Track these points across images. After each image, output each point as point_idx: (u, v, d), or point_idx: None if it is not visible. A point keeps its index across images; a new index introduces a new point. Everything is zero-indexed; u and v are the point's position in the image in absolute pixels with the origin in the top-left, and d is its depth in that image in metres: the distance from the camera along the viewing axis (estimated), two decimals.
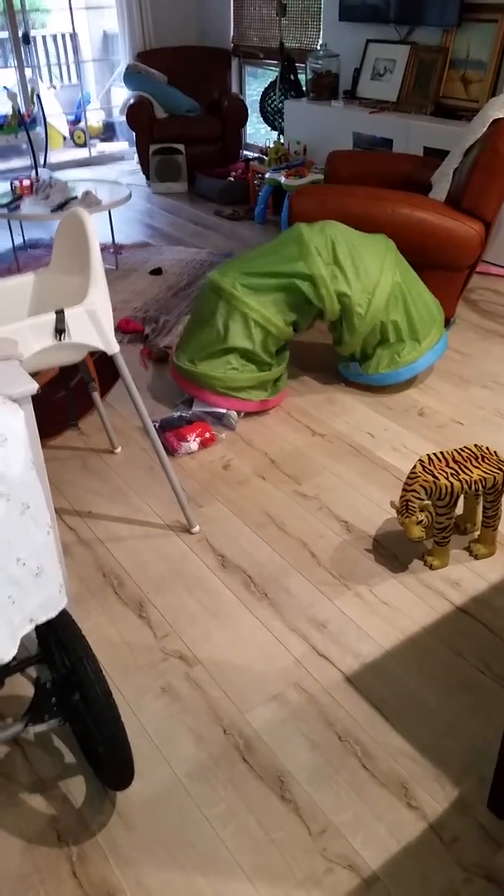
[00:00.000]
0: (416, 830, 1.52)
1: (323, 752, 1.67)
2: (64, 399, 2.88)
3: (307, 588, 2.12)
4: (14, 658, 1.55)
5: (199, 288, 2.90)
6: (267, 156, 5.35)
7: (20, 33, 6.20)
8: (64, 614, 1.47)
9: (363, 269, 2.81)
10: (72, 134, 7.35)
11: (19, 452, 1.21)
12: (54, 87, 7.53)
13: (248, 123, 6.20)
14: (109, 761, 1.46)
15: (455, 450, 2.12)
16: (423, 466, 2.07)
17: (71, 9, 6.55)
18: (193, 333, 2.89)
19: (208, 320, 2.83)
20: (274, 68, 5.94)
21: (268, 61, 6.07)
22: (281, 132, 5.71)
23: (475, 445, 2.14)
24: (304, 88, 5.53)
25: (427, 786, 1.60)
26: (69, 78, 7.80)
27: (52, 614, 1.34)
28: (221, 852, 1.49)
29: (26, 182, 4.29)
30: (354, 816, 1.54)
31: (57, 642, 1.49)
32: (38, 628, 1.57)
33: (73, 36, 7.11)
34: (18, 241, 5.00)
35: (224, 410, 2.86)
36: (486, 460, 2.09)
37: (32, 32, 6.95)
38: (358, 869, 1.45)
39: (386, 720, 1.74)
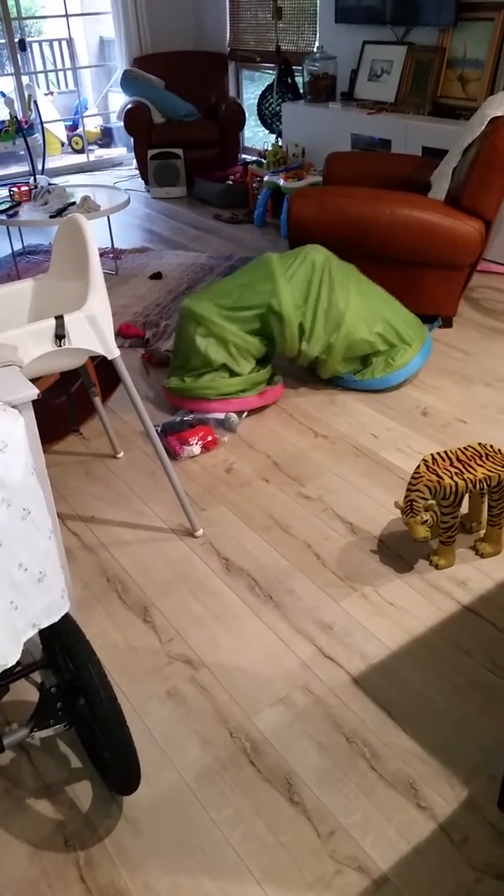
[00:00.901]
0: (425, 831, 1.51)
1: (331, 754, 1.66)
2: (65, 404, 2.88)
3: (312, 590, 2.11)
4: (19, 663, 1.54)
5: (178, 314, 2.96)
6: (265, 159, 5.35)
7: (16, 40, 6.21)
8: (68, 619, 1.47)
9: (333, 305, 2.88)
10: (70, 140, 7.36)
11: (19, 458, 1.21)
12: (51, 94, 7.55)
13: (245, 127, 6.20)
14: (116, 766, 1.46)
15: (459, 449, 2.12)
16: (427, 466, 2.06)
17: (67, 15, 6.57)
18: (180, 361, 2.96)
19: (190, 347, 2.88)
20: (271, 71, 5.95)
21: (265, 65, 6.07)
22: (279, 135, 5.71)
23: (479, 444, 2.13)
24: (301, 91, 5.53)
25: (436, 786, 1.59)
26: (66, 84, 7.82)
27: (55, 619, 1.33)
28: (230, 855, 1.48)
29: (24, 188, 4.30)
30: (363, 818, 1.53)
31: (61, 647, 1.49)
32: (42, 633, 1.56)
33: (70, 42, 7.13)
34: (17, 247, 5.01)
35: (223, 415, 2.86)
36: (491, 458, 2.08)
37: (29, 39, 6.97)
38: (368, 870, 1.45)
39: (394, 721, 1.73)
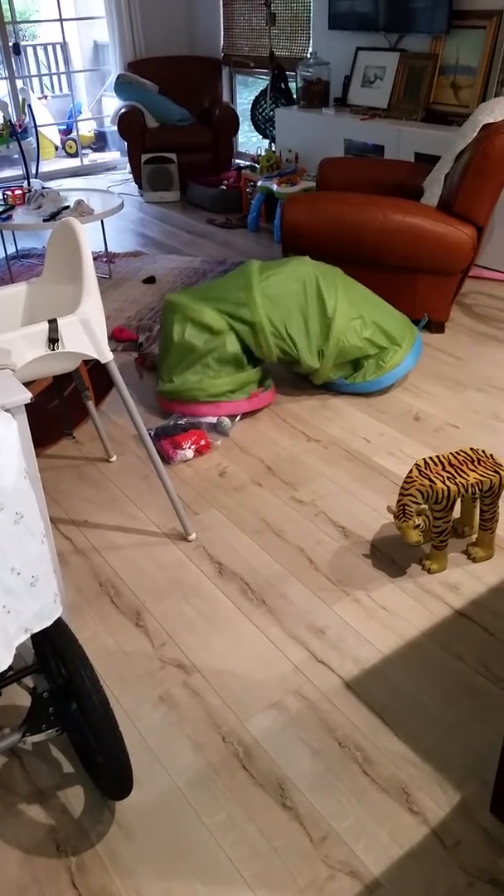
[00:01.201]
0: (418, 836, 1.51)
1: (323, 759, 1.66)
2: (58, 408, 2.88)
3: (305, 594, 2.11)
4: (10, 668, 1.54)
5: (161, 314, 2.98)
6: (259, 164, 5.36)
7: (11, 43, 6.21)
8: (60, 624, 1.46)
9: (313, 314, 2.88)
10: (63, 144, 7.36)
11: (12, 462, 1.20)
12: (45, 98, 7.55)
13: (239, 132, 6.22)
14: (108, 771, 1.45)
15: (451, 453, 2.12)
16: (420, 470, 2.07)
17: (61, 19, 6.58)
18: (165, 357, 2.97)
19: (172, 338, 2.88)
20: (264, 77, 5.97)
21: (258, 70, 6.09)
22: (272, 140, 5.73)
23: (471, 449, 2.14)
24: (294, 96, 5.55)
25: (429, 790, 1.59)
26: (60, 88, 7.82)
27: (48, 623, 1.33)
28: (222, 861, 1.48)
29: (18, 192, 4.29)
30: (356, 823, 1.53)
31: (54, 652, 1.48)
32: (34, 638, 1.56)
33: (64, 46, 7.14)
34: (11, 250, 5.00)
35: (216, 419, 2.86)
36: (483, 463, 2.09)
37: (23, 42, 6.98)
38: (360, 875, 1.44)
39: (386, 725, 1.73)
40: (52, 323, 1.80)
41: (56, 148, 7.35)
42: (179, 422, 2.83)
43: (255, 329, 2.83)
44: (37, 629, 1.31)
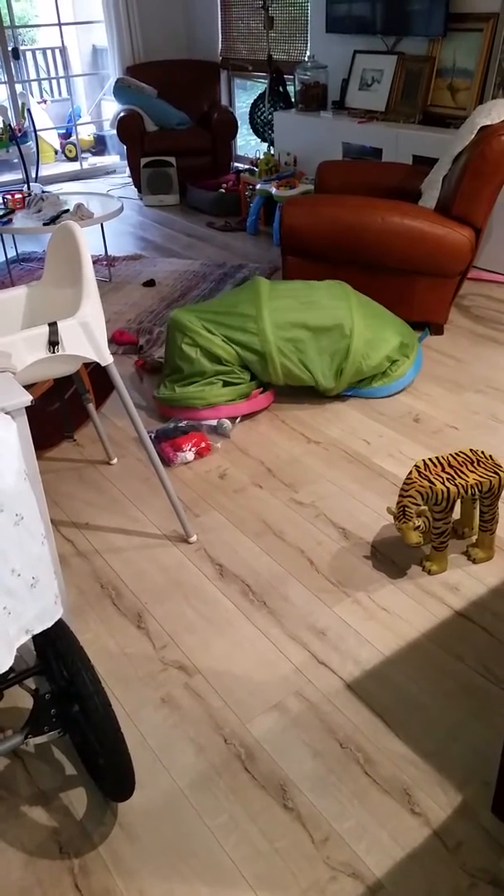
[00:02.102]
0: (419, 836, 1.51)
1: (325, 760, 1.66)
2: (59, 411, 2.89)
3: (306, 596, 2.12)
4: (13, 670, 1.54)
5: (167, 327, 2.98)
6: (257, 167, 5.38)
7: (10, 48, 6.23)
8: (62, 626, 1.47)
9: (328, 335, 2.89)
10: (63, 148, 7.38)
11: (12, 463, 1.21)
12: (45, 102, 7.57)
13: (238, 135, 6.24)
14: (110, 772, 1.46)
15: (450, 454, 2.13)
16: (419, 472, 2.07)
17: (60, 24, 6.60)
18: (170, 369, 2.98)
19: (182, 358, 2.89)
20: (263, 80, 5.98)
21: (256, 74, 6.11)
22: (271, 143, 5.74)
23: (470, 450, 2.15)
24: (292, 100, 5.56)
25: (430, 791, 1.59)
26: (59, 92, 7.84)
27: (48, 624, 1.33)
28: (224, 862, 1.48)
29: (18, 196, 4.30)
30: (357, 824, 1.54)
31: (55, 654, 1.49)
32: (36, 640, 1.56)
33: (63, 50, 7.15)
34: (11, 254, 5.01)
35: (216, 421, 2.87)
36: (482, 464, 2.09)
37: (22, 47, 6.99)
38: (362, 876, 1.45)
39: (387, 726, 1.73)
40: (53, 326, 1.81)
41: (56, 152, 7.36)
42: (179, 424, 2.83)
43: (264, 358, 2.85)
44: (38, 630, 1.32)
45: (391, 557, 2.25)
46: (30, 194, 4.33)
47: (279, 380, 2.91)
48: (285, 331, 2.84)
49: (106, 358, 1.96)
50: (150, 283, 4.38)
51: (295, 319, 2.84)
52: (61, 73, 7.55)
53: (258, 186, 5.10)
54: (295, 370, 2.86)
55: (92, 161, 7.29)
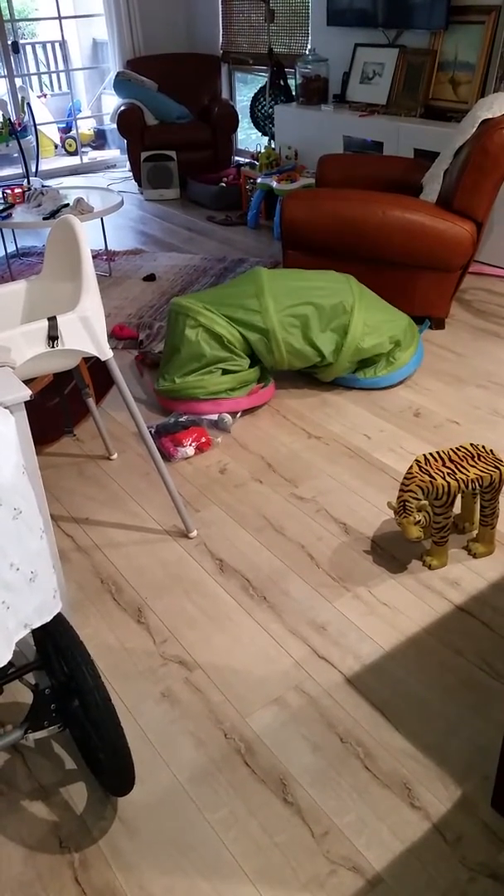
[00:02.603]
0: (419, 830, 1.51)
1: (325, 755, 1.66)
2: (59, 406, 2.88)
3: (306, 590, 2.12)
4: (12, 664, 1.54)
5: (167, 315, 2.97)
6: (258, 161, 5.36)
7: (9, 42, 6.21)
8: (61, 620, 1.46)
9: (329, 313, 2.88)
10: (63, 142, 7.36)
11: (10, 458, 1.21)
12: (45, 96, 7.55)
13: (238, 129, 6.21)
14: (110, 767, 1.46)
15: (451, 449, 2.12)
16: (420, 466, 2.07)
17: (60, 17, 6.57)
18: (170, 359, 2.96)
19: (181, 341, 2.88)
20: (263, 74, 5.96)
21: (257, 67, 6.09)
22: (272, 137, 5.72)
23: (471, 444, 2.14)
24: (293, 93, 5.54)
25: (430, 785, 1.59)
26: (59, 86, 7.82)
27: (47, 619, 1.33)
28: (224, 856, 1.48)
29: (18, 190, 4.29)
30: (357, 818, 1.54)
31: (55, 649, 1.48)
32: (36, 634, 1.56)
33: (63, 44, 7.13)
34: (11, 248, 5.00)
35: (217, 416, 2.86)
36: (483, 459, 2.09)
37: (22, 41, 6.97)
38: (362, 870, 1.45)
39: (388, 721, 1.73)
40: (52, 320, 1.80)
41: (56, 146, 7.35)
42: (180, 419, 2.83)
43: (267, 336, 2.83)
44: (36, 624, 1.32)
45: (392, 552, 2.24)
46: (29, 189, 4.32)
47: (283, 360, 2.89)
48: (287, 307, 2.84)
49: (106, 352, 1.96)
50: (150, 278, 4.38)
51: (296, 297, 2.85)
52: (61, 66, 7.53)
53: (259, 180, 5.09)
54: (297, 345, 2.86)
55: (92, 155, 7.27)
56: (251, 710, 1.77)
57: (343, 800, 1.57)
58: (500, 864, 1.45)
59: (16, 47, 6.27)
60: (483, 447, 2.13)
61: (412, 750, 1.67)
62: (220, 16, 6.23)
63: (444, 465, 2.07)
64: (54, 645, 1.48)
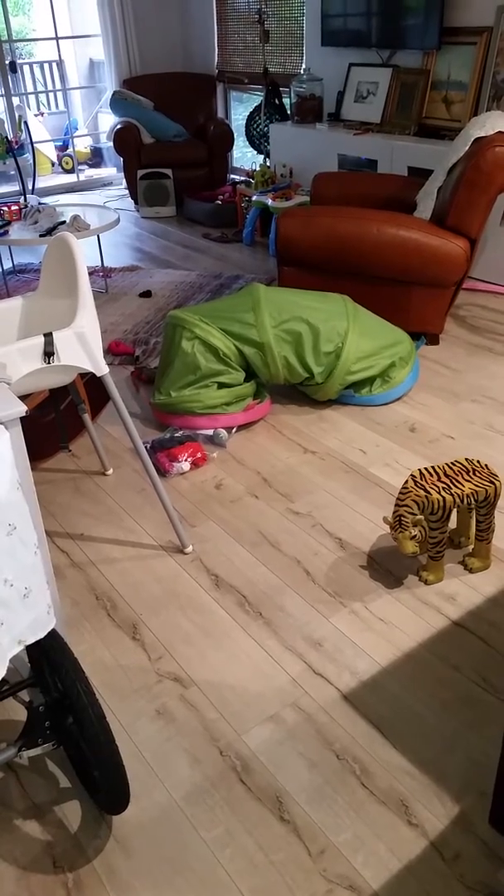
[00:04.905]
0: (417, 848, 1.50)
1: (321, 772, 1.65)
2: (54, 421, 2.88)
3: (302, 606, 2.11)
4: (6, 681, 1.53)
5: (163, 328, 2.99)
6: (253, 179, 5.40)
7: (7, 62, 6.27)
8: (56, 637, 1.46)
9: (324, 335, 2.89)
10: (60, 160, 7.41)
11: (5, 473, 1.21)
12: (42, 114, 7.61)
13: (234, 147, 6.27)
14: (105, 785, 1.44)
15: (446, 464, 2.13)
16: (415, 481, 2.07)
17: (57, 38, 6.64)
18: (165, 371, 2.97)
19: (176, 354, 2.89)
20: (258, 93, 6.02)
21: (252, 86, 6.15)
22: (267, 155, 5.77)
23: (466, 459, 2.15)
24: (288, 112, 5.60)
25: (427, 802, 1.58)
26: (56, 105, 7.88)
27: (41, 635, 1.32)
28: (220, 875, 1.47)
29: (15, 208, 4.32)
30: (354, 836, 1.52)
31: (49, 665, 1.48)
32: (30, 651, 1.55)
33: (60, 63, 7.19)
34: (7, 265, 5.02)
35: (212, 431, 2.87)
36: (478, 473, 2.09)
37: (20, 61, 7.03)
38: (359, 889, 1.43)
39: (384, 737, 1.72)
40: (48, 336, 1.81)
41: (52, 164, 7.39)
42: (175, 434, 2.83)
43: (263, 350, 2.85)
44: (31, 641, 1.31)
45: (387, 567, 2.24)
46: (26, 206, 4.34)
47: (278, 374, 2.90)
48: (282, 322, 2.85)
49: (101, 368, 1.96)
50: (146, 294, 4.39)
51: (291, 313, 2.86)
52: (58, 86, 7.60)
53: (254, 198, 5.13)
54: (291, 360, 2.87)
55: (89, 173, 7.32)
56: (247, 728, 1.76)
57: (340, 817, 1.56)
58: (499, 881, 1.43)
59: (13, 67, 6.33)
60: (478, 462, 2.13)
61: (409, 766, 1.66)
62: (216, 36, 6.30)
63: (439, 479, 2.07)
64: (48, 661, 1.47)
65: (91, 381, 2.95)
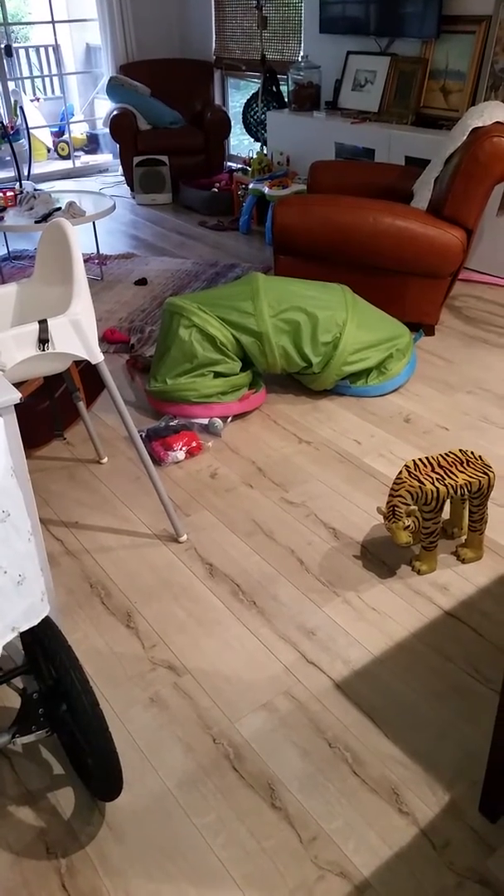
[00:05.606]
0: (407, 836, 1.51)
1: (313, 760, 1.66)
2: (49, 409, 2.87)
3: (296, 595, 2.12)
4: (0, 668, 1.53)
5: (161, 315, 2.97)
6: (250, 167, 5.37)
7: (2, 45, 6.20)
8: (50, 624, 1.46)
9: (321, 325, 2.89)
10: (56, 146, 7.36)
11: None
12: (38, 100, 7.55)
13: (231, 135, 6.23)
14: (98, 772, 1.45)
15: (440, 455, 2.13)
16: (409, 472, 2.07)
17: (53, 21, 6.58)
18: (162, 359, 2.95)
19: (173, 341, 2.88)
20: (256, 80, 5.98)
21: (250, 73, 6.11)
22: (264, 143, 5.74)
23: (460, 450, 2.15)
24: (286, 100, 5.56)
25: (418, 791, 1.59)
26: (52, 90, 7.82)
27: (35, 622, 1.32)
28: (212, 862, 1.48)
29: (10, 194, 4.29)
30: (345, 823, 1.54)
31: (43, 653, 1.48)
32: (24, 638, 1.56)
33: (56, 48, 7.13)
34: (2, 252, 4.99)
35: (208, 420, 2.86)
36: (472, 465, 2.10)
37: (15, 45, 6.97)
38: (350, 876, 1.45)
39: (376, 726, 1.73)
40: (43, 324, 1.80)
41: (48, 150, 7.34)
42: (171, 423, 2.83)
43: (261, 339, 2.84)
44: (24, 628, 1.31)
45: (381, 557, 2.25)
46: (21, 192, 4.31)
47: (276, 363, 2.89)
48: (281, 311, 2.84)
49: (96, 356, 1.96)
50: (141, 282, 4.38)
51: (290, 302, 2.85)
52: (54, 71, 7.53)
53: (251, 186, 5.10)
54: (289, 349, 2.86)
55: (84, 159, 7.27)
56: (240, 716, 1.77)
57: (331, 805, 1.57)
58: (488, 869, 1.45)
59: (9, 51, 6.27)
60: (472, 453, 2.14)
61: (400, 755, 1.67)
62: (213, 22, 6.25)
63: (433, 470, 2.08)
64: (42, 649, 1.47)
65: (86, 369, 2.94)
